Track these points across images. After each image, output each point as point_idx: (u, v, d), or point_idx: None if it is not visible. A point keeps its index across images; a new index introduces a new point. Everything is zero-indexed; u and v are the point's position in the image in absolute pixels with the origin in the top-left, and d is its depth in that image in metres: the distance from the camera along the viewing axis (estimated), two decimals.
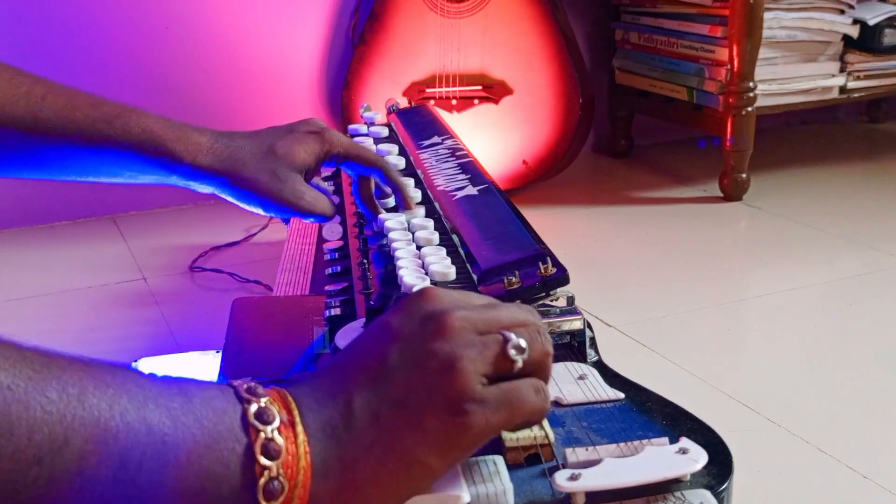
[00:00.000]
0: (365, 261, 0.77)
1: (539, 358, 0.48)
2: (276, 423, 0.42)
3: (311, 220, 0.81)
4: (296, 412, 0.43)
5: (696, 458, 0.50)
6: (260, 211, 0.79)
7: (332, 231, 0.89)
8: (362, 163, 0.83)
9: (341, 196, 0.96)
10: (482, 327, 0.47)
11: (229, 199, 0.78)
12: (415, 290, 0.66)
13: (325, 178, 1.03)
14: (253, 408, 0.42)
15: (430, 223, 0.81)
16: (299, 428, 0.42)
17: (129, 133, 0.72)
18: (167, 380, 0.43)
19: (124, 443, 0.38)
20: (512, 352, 0.46)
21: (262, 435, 0.41)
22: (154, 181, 0.76)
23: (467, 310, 0.47)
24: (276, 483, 0.41)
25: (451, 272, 0.71)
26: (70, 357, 0.40)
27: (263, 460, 0.41)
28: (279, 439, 0.41)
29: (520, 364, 0.46)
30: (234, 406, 0.42)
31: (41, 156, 0.71)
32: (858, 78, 1.61)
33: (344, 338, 0.65)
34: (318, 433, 0.43)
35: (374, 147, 1.04)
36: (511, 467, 0.51)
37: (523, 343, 0.47)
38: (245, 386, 0.43)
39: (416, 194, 0.87)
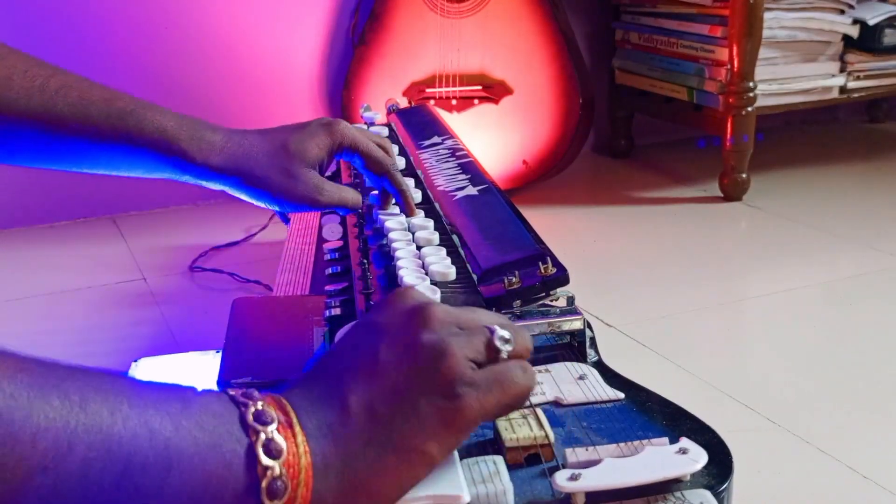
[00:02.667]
0: (365, 261, 0.77)
1: (521, 351, 0.50)
2: (275, 425, 0.42)
3: (341, 212, 0.81)
4: (292, 414, 0.43)
5: (696, 458, 0.50)
6: (275, 208, 0.78)
7: (332, 231, 0.89)
8: (372, 169, 0.82)
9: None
10: (464, 323, 0.49)
11: (243, 196, 0.78)
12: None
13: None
14: (251, 410, 0.42)
15: (430, 223, 0.81)
16: (297, 428, 0.43)
17: (143, 130, 0.72)
18: (164, 386, 0.43)
19: (128, 448, 0.38)
20: (498, 342, 0.48)
21: (263, 435, 0.41)
22: (167, 177, 0.76)
23: (449, 307, 0.50)
24: (279, 483, 0.41)
25: (451, 272, 0.71)
26: (68, 366, 0.40)
27: (266, 460, 0.41)
28: (280, 439, 0.42)
29: (504, 355, 0.49)
30: (231, 410, 0.42)
31: (54, 148, 0.71)
32: (858, 78, 1.61)
33: None
34: (315, 433, 0.43)
35: None
36: (511, 467, 0.51)
37: (508, 335, 0.49)
38: (240, 391, 0.44)
39: (416, 194, 0.87)
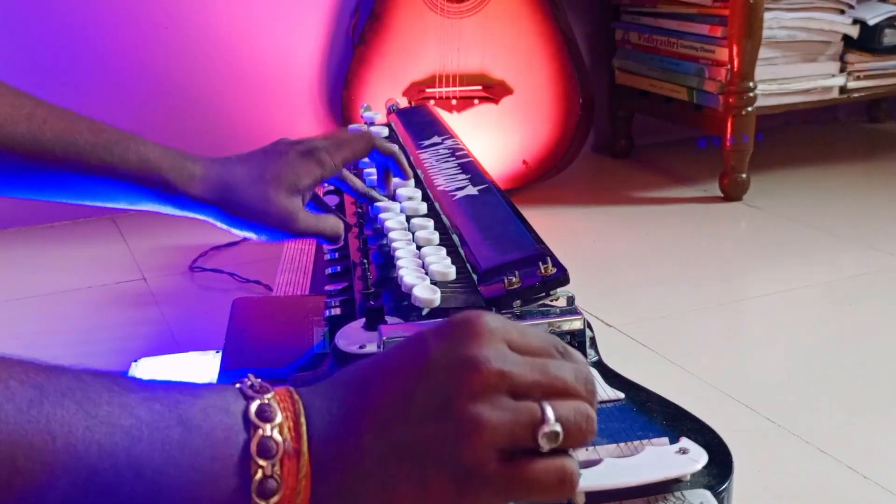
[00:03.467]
0: (365, 261, 0.77)
1: (576, 443, 0.43)
2: (278, 420, 0.41)
3: (321, 242, 0.80)
4: (302, 415, 0.42)
5: (697, 458, 0.50)
6: (254, 236, 0.78)
7: None
8: (361, 156, 0.83)
9: (340, 196, 0.96)
10: (521, 389, 0.42)
11: (223, 226, 0.77)
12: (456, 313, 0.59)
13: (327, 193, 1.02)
14: (255, 404, 0.42)
15: (430, 223, 0.81)
16: (303, 429, 0.42)
17: (127, 160, 0.72)
18: (168, 403, 0.41)
19: (111, 483, 0.38)
20: (542, 440, 0.42)
21: (260, 431, 0.41)
22: (149, 208, 0.76)
23: (511, 361, 0.43)
24: (270, 482, 0.40)
25: (451, 272, 0.71)
26: (66, 382, 0.39)
27: (258, 459, 0.40)
28: (277, 437, 0.41)
29: (546, 450, 0.42)
30: (238, 434, 0.41)
31: (40, 178, 0.71)
32: (858, 78, 1.61)
33: (344, 338, 0.65)
34: (322, 465, 0.42)
35: None
36: None
37: (559, 429, 0.42)
38: (255, 384, 0.43)
39: (415, 194, 0.87)
